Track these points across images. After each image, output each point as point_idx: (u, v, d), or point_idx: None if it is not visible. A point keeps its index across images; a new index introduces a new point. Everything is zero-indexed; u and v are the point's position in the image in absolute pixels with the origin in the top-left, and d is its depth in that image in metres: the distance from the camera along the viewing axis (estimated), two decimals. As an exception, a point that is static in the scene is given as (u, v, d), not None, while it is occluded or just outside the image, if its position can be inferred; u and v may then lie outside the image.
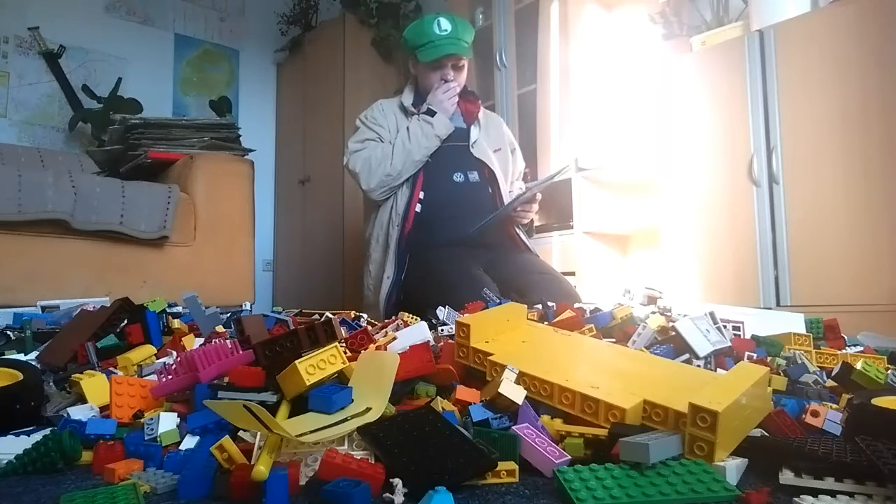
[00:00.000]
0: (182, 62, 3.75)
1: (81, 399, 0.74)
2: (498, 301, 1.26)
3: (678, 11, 2.36)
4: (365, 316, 1.35)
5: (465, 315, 0.88)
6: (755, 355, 0.89)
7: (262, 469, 0.47)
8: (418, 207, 1.88)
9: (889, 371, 0.84)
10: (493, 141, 2.04)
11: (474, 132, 1.99)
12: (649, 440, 0.51)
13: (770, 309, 1.74)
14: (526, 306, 0.92)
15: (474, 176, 1.93)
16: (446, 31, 1.89)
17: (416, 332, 0.96)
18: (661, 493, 0.48)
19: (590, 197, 2.46)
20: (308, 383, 0.62)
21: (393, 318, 1.18)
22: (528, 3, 2.85)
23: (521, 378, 0.67)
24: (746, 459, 0.55)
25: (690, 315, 0.93)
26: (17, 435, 0.63)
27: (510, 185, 2.08)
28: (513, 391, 0.64)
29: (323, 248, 3.51)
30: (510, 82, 2.88)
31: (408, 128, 1.90)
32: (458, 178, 1.92)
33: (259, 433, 0.57)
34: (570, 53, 2.60)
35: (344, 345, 0.86)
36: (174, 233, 2.13)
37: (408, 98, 2.01)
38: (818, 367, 0.91)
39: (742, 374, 0.63)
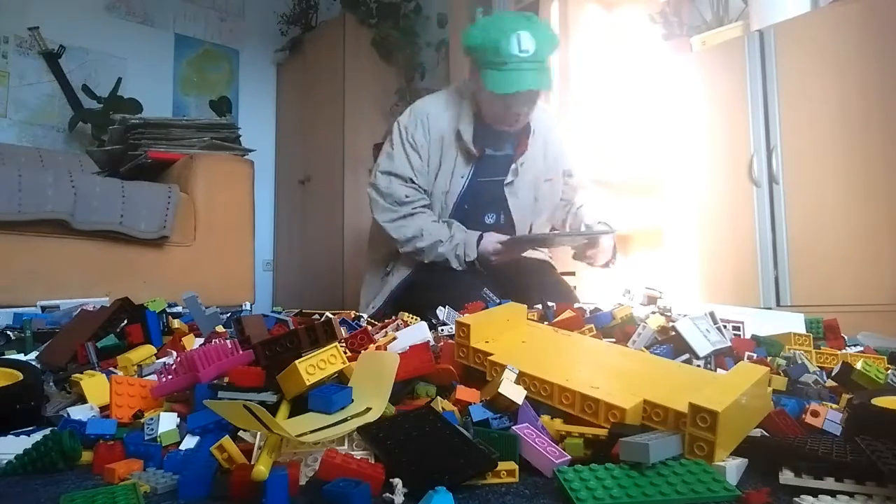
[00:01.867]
0: (182, 62, 3.74)
1: (81, 399, 0.74)
2: (498, 301, 1.26)
3: (678, 11, 2.36)
4: (365, 316, 1.35)
5: (465, 315, 0.88)
6: (755, 355, 0.88)
7: (262, 469, 0.47)
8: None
9: (889, 371, 0.84)
10: (545, 171, 1.78)
11: (511, 173, 1.70)
12: (649, 440, 0.51)
13: (770, 309, 1.74)
14: (526, 306, 0.92)
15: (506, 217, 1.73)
16: (527, 52, 1.47)
17: (416, 332, 0.96)
18: (661, 493, 0.48)
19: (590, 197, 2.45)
20: (308, 383, 0.62)
21: (393, 318, 1.18)
22: (527, 3, 2.85)
23: (521, 378, 0.67)
24: (746, 459, 0.55)
25: (690, 315, 0.93)
26: (17, 435, 0.63)
27: (563, 212, 1.91)
28: (513, 391, 0.64)
29: (323, 248, 3.51)
30: (510, 82, 2.87)
31: (448, 246, 1.62)
32: (489, 219, 1.72)
33: (259, 433, 0.57)
34: (570, 53, 2.60)
35: (344, 345, 0.86)
36: (174, 233, 2.13)
37: (467, 129, 1.64)
38: (818, 367, 0.91)
39: (742, 374, 0.63)
